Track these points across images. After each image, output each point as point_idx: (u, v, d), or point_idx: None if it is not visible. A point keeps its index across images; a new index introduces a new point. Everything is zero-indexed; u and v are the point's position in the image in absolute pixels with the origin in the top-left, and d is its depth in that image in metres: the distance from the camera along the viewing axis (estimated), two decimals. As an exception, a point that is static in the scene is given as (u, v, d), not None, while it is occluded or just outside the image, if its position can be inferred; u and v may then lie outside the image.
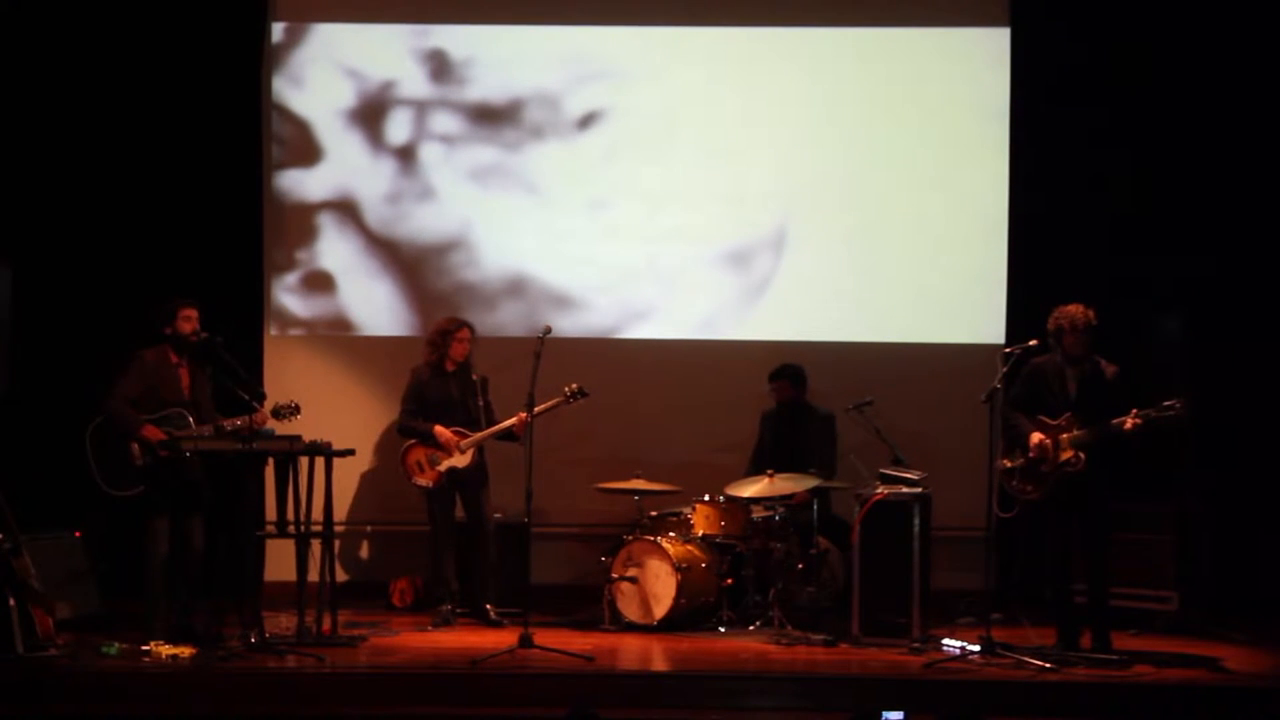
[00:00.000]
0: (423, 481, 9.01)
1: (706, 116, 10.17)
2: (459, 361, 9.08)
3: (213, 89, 9.94)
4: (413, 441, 9.05)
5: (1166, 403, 7.71)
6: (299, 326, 10.29)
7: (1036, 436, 7.96)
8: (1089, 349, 8.00)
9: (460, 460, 8.96)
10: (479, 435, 8.96)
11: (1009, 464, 8.09)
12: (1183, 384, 8.00)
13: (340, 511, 8.66)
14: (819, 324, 10.06)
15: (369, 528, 10.17)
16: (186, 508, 8.29)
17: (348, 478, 9.89)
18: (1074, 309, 7.99)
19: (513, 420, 8.83)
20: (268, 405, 8.38)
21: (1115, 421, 7.77)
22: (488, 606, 8.91)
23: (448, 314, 9.45)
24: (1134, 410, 7.75)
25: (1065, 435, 7.91)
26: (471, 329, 9.14)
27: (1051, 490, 7.96)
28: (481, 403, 9.00)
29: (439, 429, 8.96)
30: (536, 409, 8.35)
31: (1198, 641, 8.48)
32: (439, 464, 8.97)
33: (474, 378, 9.06)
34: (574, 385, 8.87)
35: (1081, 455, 7.86)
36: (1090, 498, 7.96)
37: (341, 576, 9.19)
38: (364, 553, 10.21)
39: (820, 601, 8.84)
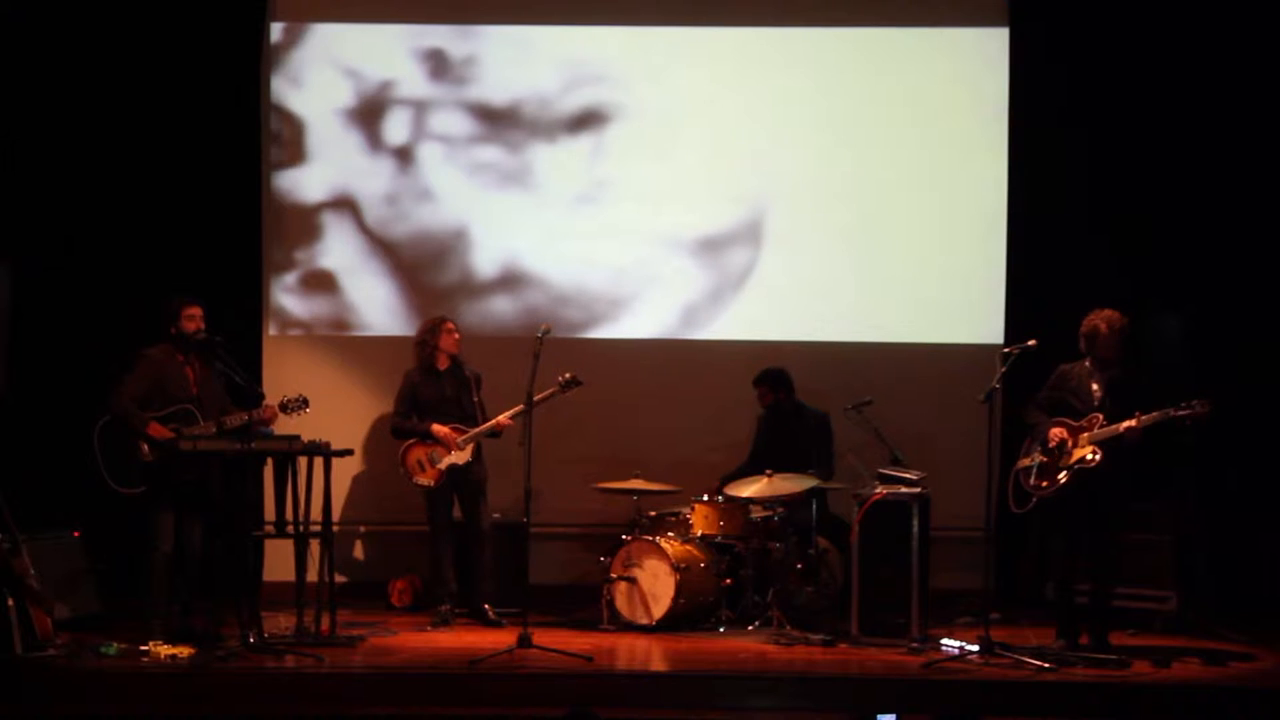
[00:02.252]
0: (424, 480, 9.00)
1: (706, 116, 10.16)
2: (452, 356, 9.07)
3: (213, 89, 9.93)
4: (412, 441, 9.04)
5: (1189, 403, 7.70)
6: (298, 326, 10.29)
7: (1055, 430, 7.97)
8: (1120, 353, 8.02)
9: (460, 456, 8.95)
10: (476, 430, 8.96)
11: (1027, 463, 8.11)
12: (1182, 384, 7.99)
13: (339, 511, 8.66)
14: (818, 324, 10.05)
15: (367, 528, 10.15)
16: (188, 507, 8.30)
17: (346, 477, 9.90)
18: (1108, 312, 8.07)
19: (500, 418, 8.82)
20: (275, 401, 8.40)
21: (1126, 425, 7.77)
22: (486, 606, 8.91)
23: (442, 314, 9.43)
24: (1138, 414, 7.76)
25: (1085, 435, 7.92)
26: (454, 322, 9.14)
27: (1067, 487, 7.96)
28: (476, 399, 9.00)
29: (436, 426, 8.96)
30: (495, 421, 8.43)
31: (1197, 641, 8.48)
32: (439, 462, 8.96)
33: (467, 374, 9.06)
34: (567, 374, 8.85)
35: (1099, 452, 7.86)
36: (1105, 497, 7.96)
37: (340, 576, 9.17)
38: (363, 553, 10.21)
39: (819, 601, 8.84)
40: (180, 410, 8.24)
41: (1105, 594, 8.14)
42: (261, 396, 8.39)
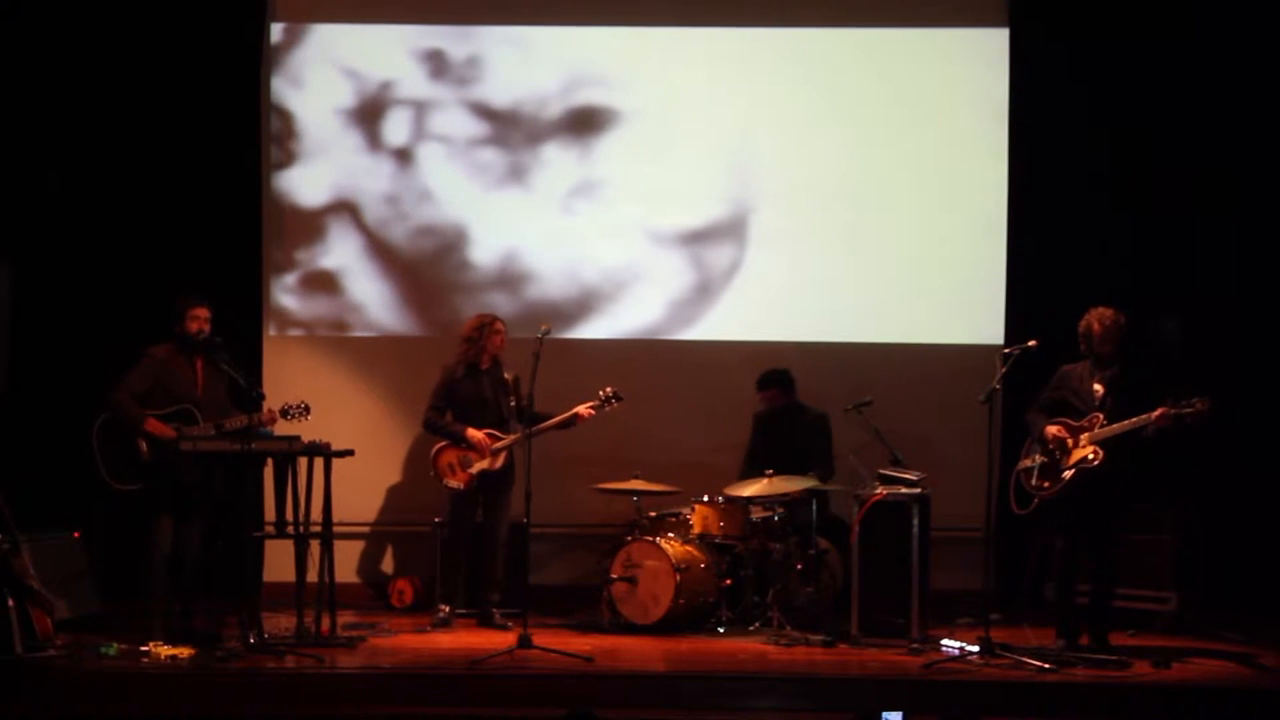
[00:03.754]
0: (455, 484, 8.96)
1: (706, 116, 10.16)
2: (494, 357, 9.04)
3: (212, 89, 9.93)
4: (445, 443, 9.02)
5: (1189, 400, 7.69)
6: (298, 326, 10.28)
7: (1051, 429, 7.97)
8: (1118, 350, 8.01)
9: (492, 463, 8.92)
10: (511, 439, 8.91)
11: (1029, 463, 8.10)
12: (1183, 385, 7.99)
13: (339, 512, 8.65)
14: (818, 324, 10.05)
15: (368, 528, 10.15)
16: (187, 507, 8.29)
17: (347, 478, 9.84)
18: (1101, 310, 8.05)
19: (580, 409, 8.79)
20: (276, 406, 8.40)
21: (1140, 418, 7.76)
22: (494, 611, 8.89)
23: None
24: (1162, 408, 7.73)
25: (1086, 434, 7.91)
26: (504, 323, 9.13)
27: (1068, 488, 7.95)
28: (513, 402, 8.95)
29: (471, 431, 8.91)
30: (574, 411, 8.65)
31: (1197, 641, 8.48)
32: (470, 466, 8.94)
33: (505, 376, 9.03)
34: (609, 389, 8.86)
35: (1100, 452, 7.86)
36: (1105, 497, 7.95)
37: (340, 577, 9.15)
38: (363, 553, 10.20)
39: (819, 602, 8.83)
40: (181, 410, 8.25)
41: (1105, 594, 8.13)
42: (262, 397, 8.39)
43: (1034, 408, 8.22)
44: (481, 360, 9.02)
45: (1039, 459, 8.08)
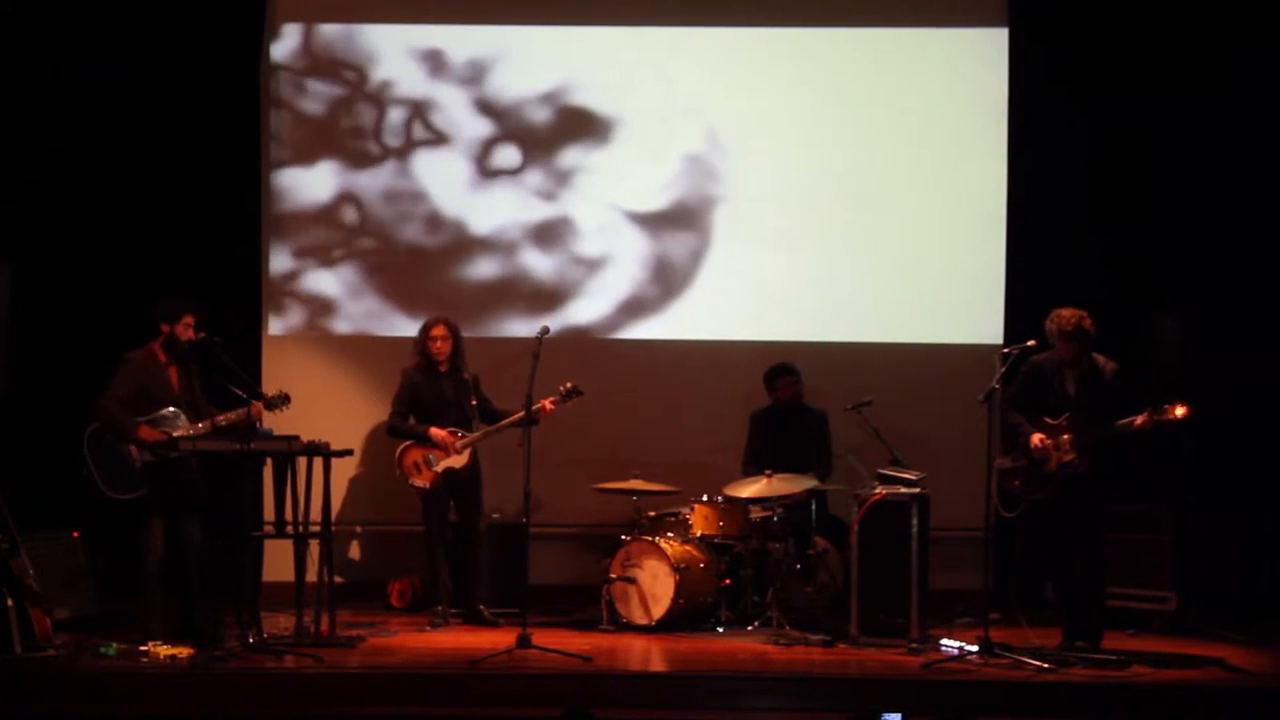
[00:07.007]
0: (420, 483, 8.99)
1: (706, 116, 10.16)
2: (446, 358, 9.06)
3: (212, 88, 9.93)
4: (409, 443, 9.04)
5: (1171, 405, 7.68)
6: (298, 326, 10.28)
7: (1037, 438, 7.95)
8: (1081, 352, 7.98)
9: (458, 460, 8.95)
10: (476, 435, 8.96)
11: (1010, 464, 8.08)
12: (1182, 384, 7.98)
13: (338, 511, 8.66)
14: (818, 324, 10.05)
15: (367, 528, 10.15)
16: (184, 508, 8.29)
17: (346, 478, 9.90)
18: (1066, 312, 7.97)
19: (544, 402, 8.76)
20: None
21: (1124, 422, 7.75)
22: (481, 606, 8.91)
23: (437, 314, 9.38)
24: (1145, 414, 7.72)
25: (1066, 436, 7.90)
26: (450, 324, 9.11)
27: (1057, 490, 7.94)
28: (474, 402, 9.00)
29: (434, 430, 8.96)
30: (539, 404, 8.49)
31: (1195, 641, 8.48)
32: (436, 465, 8.96)
33: (465, 377, 9.04)
34: (568, 384, 8.86)
35: (1085, 457, 7.85)
36: (1090, 497, 7.94)
37: (340, 577, 9.17)
38: (362, 553, 10.21)
39: (818, 602, 8.84)
40: (167, 413, 8.19)
41: (1099, 594, 8.11)
42: (262, 396, 8.39)
43: (1009, 404, 8.11)
44: (436, 364, 9.03)
45: (1021, 460, 8.04)
